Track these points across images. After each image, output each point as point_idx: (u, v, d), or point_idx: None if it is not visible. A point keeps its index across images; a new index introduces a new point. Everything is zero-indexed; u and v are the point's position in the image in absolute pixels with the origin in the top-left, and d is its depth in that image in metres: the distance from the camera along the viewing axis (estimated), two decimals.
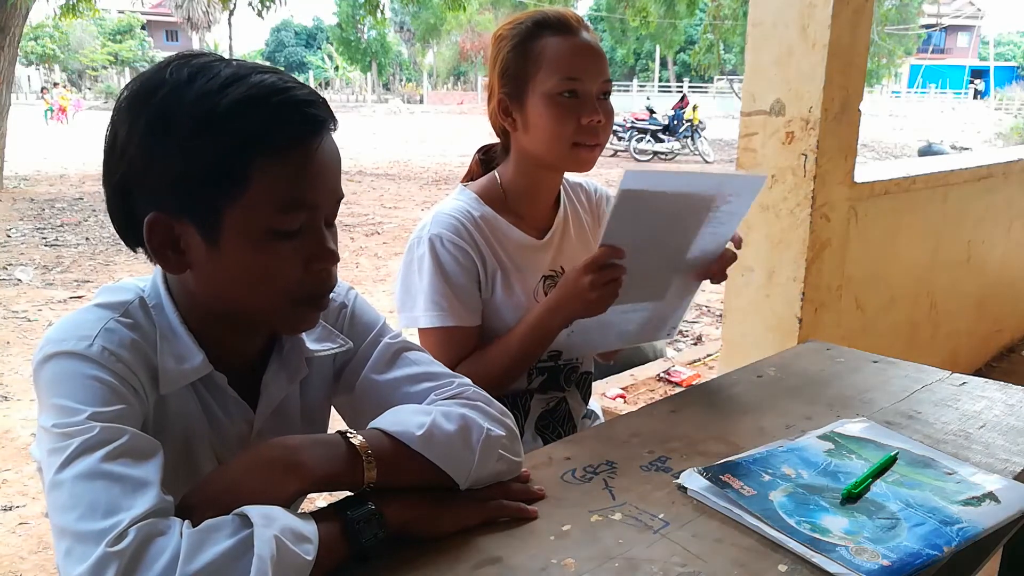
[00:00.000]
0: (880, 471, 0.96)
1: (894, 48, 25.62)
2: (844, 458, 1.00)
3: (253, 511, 0.69)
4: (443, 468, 0.84)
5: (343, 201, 0.86)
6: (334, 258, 0.83)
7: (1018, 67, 46.55)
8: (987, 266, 3.68)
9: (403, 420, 0.85)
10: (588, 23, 1.30)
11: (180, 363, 0.82)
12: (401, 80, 52.90)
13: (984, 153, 8.10)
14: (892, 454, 1.00)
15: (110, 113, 0.81)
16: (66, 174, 11.43)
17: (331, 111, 0.80)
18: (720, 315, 3.63)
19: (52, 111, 21.69)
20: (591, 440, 1.09)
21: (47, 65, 37.81)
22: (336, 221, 0.85)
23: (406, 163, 13.73)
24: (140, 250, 0.82)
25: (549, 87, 1.25)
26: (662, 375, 3.51)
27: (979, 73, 42.95)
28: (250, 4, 13.16)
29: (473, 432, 0.87)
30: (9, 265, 5.91)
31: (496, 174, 1.37)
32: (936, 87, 40.75)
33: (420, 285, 1.27)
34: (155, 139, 0.75)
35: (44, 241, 6.85)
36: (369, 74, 44.61)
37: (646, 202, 1.12)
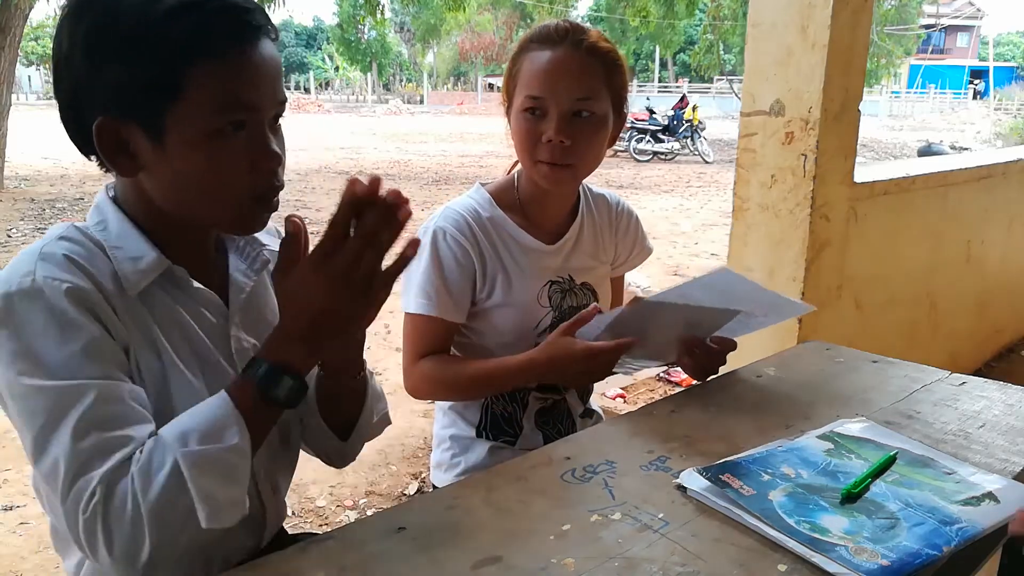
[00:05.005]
0: (879, 471, 0.96)
1: (893, 48, 25.62)
2: (843, 458, 1.00)
3: (170, 434, 0.76)
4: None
5: None
6: (278, 159, 0.86)
7: (1017, 67, 46.58)
8: (987, 266, 3.68)
9: None
10: (582, 36, 1.24)
11: (137, 263, 0.84)
12: (401, 80, 52.93)
13: (984, 153, 8.11)
14: (891, 454, 1.00)
15: None
16: (66, 174, 11.43)
17: (269, 19, 0.84)
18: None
19: None
20: (591, 440, 1.09)
21: (47, 65, 37.78)
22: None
23: (406, 163, 13.74)
24: (94, 158, 0.85)
25: (519, 103, 1.26)
26: (662, 375, 3.51)
27: (978, 73, 42.97)
28: None
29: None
30: None
31: (515, 176, 1.39)
32: (936, 87, 40.75)
33: (417, 273, 1.30)
34: (95, 47, 0.78)
35: None
36: (369, 74, 44.62)
37: (665, 309, 1.20)
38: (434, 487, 1.45)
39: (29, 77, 39.90)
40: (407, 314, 1.32)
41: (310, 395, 0.99)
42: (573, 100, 1.23)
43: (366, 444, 1.08)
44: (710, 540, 0.83)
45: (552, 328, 1.36)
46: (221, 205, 0.85)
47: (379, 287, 0.81)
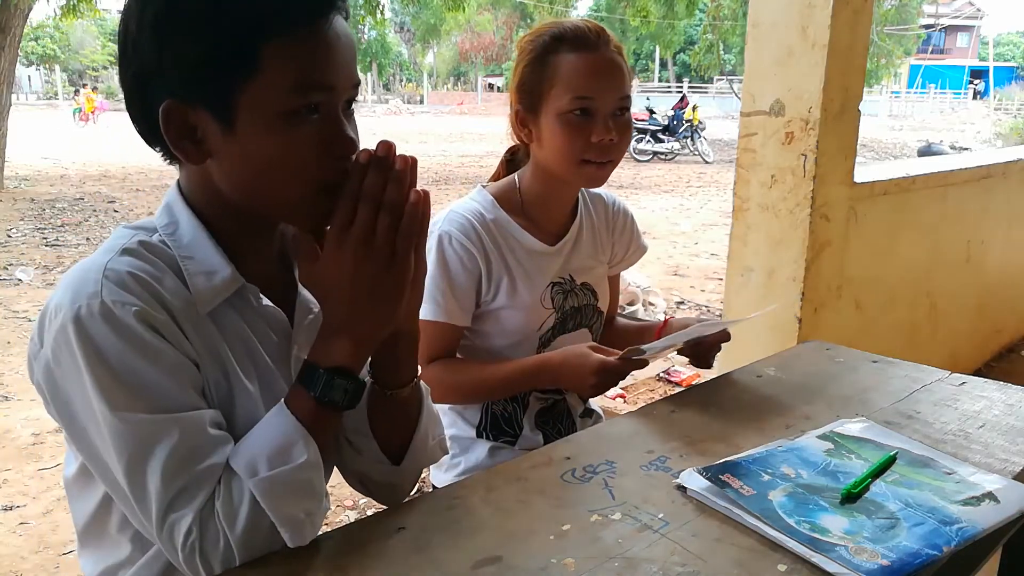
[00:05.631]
0: (879, 471, 0.96)
1: (893, 48, 25.63)
2: (844, 458, 1.00)
3: (239, 465, 0.77)
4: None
5: None
6: (353, 145, 0.81)
7: (1017, 67, 46.57)
8: (987, 266, 3.68)
9: None
10: (609, 37, 1.28)
11: (211, 279, 0.82)
12: (401, 80, 52.91)
13: (983, 153, 8.11)
14: (891, 454, 1.00)
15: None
16: (66, 174, 11.43)
17: None
18: (720, 315, 3.63)
19: (79, 111, 22.25)
20: (591, 440, 1.09)
21: (47, 66, 37.79)
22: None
23: None
24: (159, 149, 0.82)
25: (561, 105, 1.25)
26: (662, 375, 3.52)
27: (978, 73, 42.98)
28: None
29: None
30: (10, 265, 5.90)
31: (516, 178, 1.39)
32: (936, 87, 40.76)
33: None
34: (164, 26, 0.75)
35: (45, 241, 6.85)
36: (369, 74, 44.59)
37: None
38: (433, 487, 1.45)
39: (29, 77, 39.91)
40: None
41: (362, 413, 0.94)
42: (617, 100, 1.27)
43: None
44: (710, 540, 0.83)
45: (554, 329, 1.37)
46: (291, 194, 0.80)
47: (403, 251, 0.79)
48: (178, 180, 0.86)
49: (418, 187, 0.80)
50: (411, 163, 0.79)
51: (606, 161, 1.28)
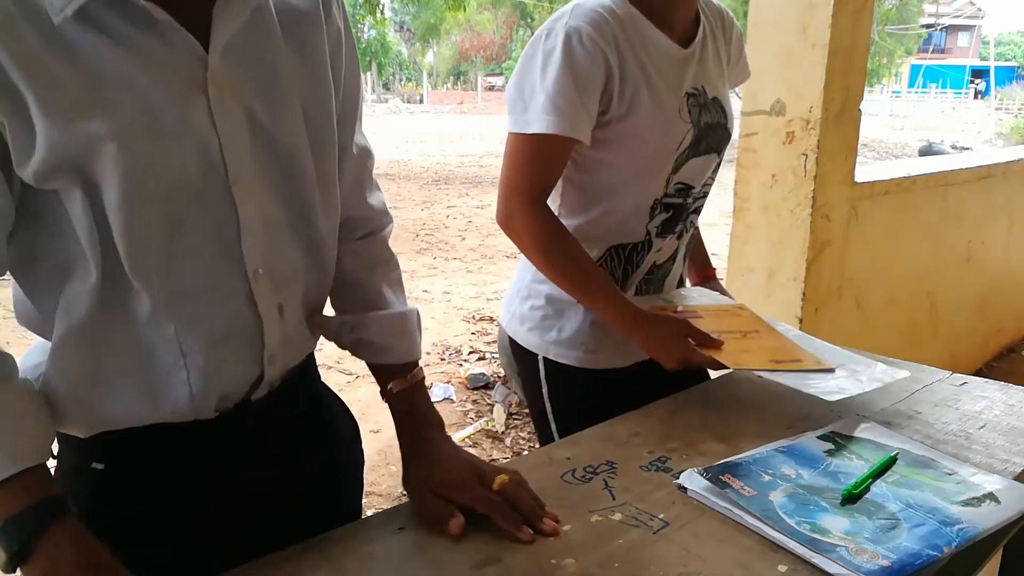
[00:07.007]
0: (880, 471, 0.96)
1: (894, 48, 25.64)
2: (844, 458, 1.00)
3: None
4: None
5: None
6: None
7: (1018, 67, 46.55)
8: (987, 266, 3.68)
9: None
10: None
11: None
12: (401, 80, 52.92)
13: (984, 153, 8.10)
14: (892, 454, 1.00)
15: None
16: None
17: None
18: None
19: None
20: (591, 440, 1.09)
21: None
22: None
23: (406, 163, 13.73)
24: None
25: None
26: None
27: (979, 73, 42.99)
28: None
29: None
30: None
31: None
32: (936, 87, 40.78)
33: (542, 83, 1.13)
34: None
35: None
36: (369, 74, 44.58)
37: None
38: (520, 346, 1.34)
39: None
40: (521, 136, 1.15)
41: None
42: None
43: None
44: (710, 540, 0.83)
45: (691, 148, 1.24)
46: None
47: None
48: None
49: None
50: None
51: None
